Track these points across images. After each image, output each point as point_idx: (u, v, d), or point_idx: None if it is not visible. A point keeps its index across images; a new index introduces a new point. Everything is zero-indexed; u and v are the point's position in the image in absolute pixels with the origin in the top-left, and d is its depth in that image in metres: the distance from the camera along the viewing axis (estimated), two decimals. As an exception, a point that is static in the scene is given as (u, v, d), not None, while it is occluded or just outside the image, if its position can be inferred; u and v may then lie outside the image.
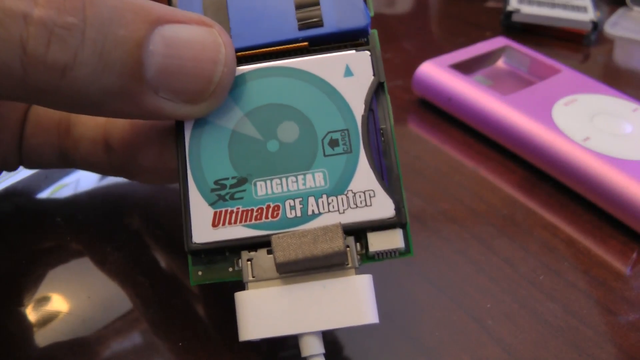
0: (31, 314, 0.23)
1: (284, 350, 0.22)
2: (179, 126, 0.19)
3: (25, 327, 0.23)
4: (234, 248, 0.19)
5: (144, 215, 0.28)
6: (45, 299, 0.24)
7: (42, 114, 0.24)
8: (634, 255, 0.27)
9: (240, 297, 0.18)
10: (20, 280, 0.24)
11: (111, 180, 0.29)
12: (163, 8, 0.17)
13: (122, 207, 0.28)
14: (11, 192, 0.29)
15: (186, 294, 0.24)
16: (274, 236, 0.18)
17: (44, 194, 0.29)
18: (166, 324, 0.23)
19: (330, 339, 0.22)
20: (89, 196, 0.29)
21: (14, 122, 0.24)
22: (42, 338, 0.22)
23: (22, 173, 0.29)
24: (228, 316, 0.20)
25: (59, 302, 0.24)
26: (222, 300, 0.23)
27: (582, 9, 0.45)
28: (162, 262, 0.26)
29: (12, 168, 0.25)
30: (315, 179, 0.19)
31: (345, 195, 0.18)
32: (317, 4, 0.19)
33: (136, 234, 0.27)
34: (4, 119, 0.24)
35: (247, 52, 0.19)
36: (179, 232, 0.19)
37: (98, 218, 0.28)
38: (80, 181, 0.30)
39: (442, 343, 0.22)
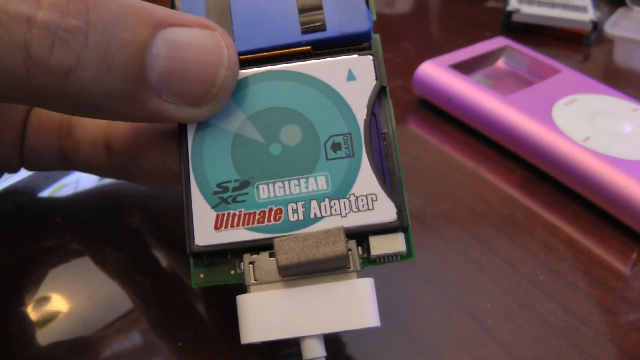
0: (31, 313, 0.23)
1: (284, 350, 0.22)
2: (181, 129, 0.19)
3: (26, 327, 0.23)
4: (236, 251, 0.19)
5: (144, 215, 0.28)
6: (45, 299, 0.24)
7: (43, 116, 0.24)
8: (634, 255, 0.27)
9: (242, 300, 0.18)
10: (20, 280, 0.24)
11: (111, 180, 0.29)
12: (166, 11, 0.17)
13: (122, 207, 0.28)
14: (11, 192, 0.29)
15: (186, 294, 0.24)
16: (276, 239, 0.18)
17: (44, 194, 0.29)
18: (166, 324, 0.23)
19: (330, 338, 0.22)
20: (89, 196, 0.29)
21: (15, 124, 0.24)
22: (42, 338, 0.22)
23: (22, 173, 0.29)
24: (228, 316, 0.20)
25: (59, 302, 0.24)
26: (222, 300, 0.23)
27: (582, 9, 0.45)
28: (163, 262, 0.26)
29: (13, 170, 0.25)
30: (318, 183, 0.19)
31: (348, 198, 0.18)
32: (320, 8, 0.19)
33: (136, 234, 0.27)
34: (6, 121, 0.24)
35: (249, 56, 0.19)
36: (179, 231, 0.19)
37: (98, 218, 0.28)
38: (80, 181, 0.29)
39: (442, 343, 0.23)
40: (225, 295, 0.23)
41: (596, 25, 0.44)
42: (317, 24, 0.19)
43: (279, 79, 0.19)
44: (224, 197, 0.19)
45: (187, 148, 0.19)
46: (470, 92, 0.34)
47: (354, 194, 0.18)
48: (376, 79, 0.19)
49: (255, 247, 0.18)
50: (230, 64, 0.18)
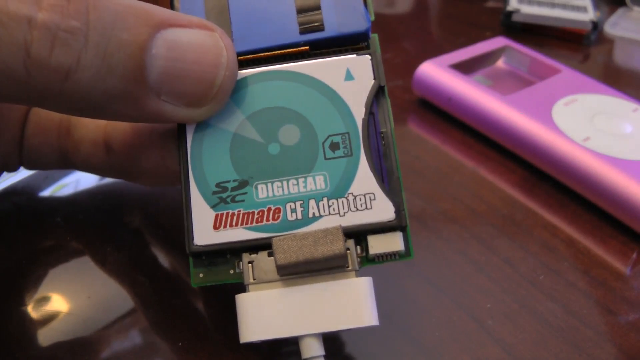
0: (31, 313, 0.23)
1: (284, 349, 0.22)
2: (180, 129, 0.19)
3: (26, 327, 0.23)
4: (235, 250, 0.19)
5: (144, 215, 0.28)
6: (45, 299, 0.24)
7: (42, 115, 0.24)
8: (634, 255, 0.27)
9: (241, 299, 0.18)
10: (20, 280, 0.24)
11: (111, 180, 0.29)
12: (165, 12, 0.17)
13: (122, 206, 0.28)
14: (11, 192, 0.29)
15: (186, 294, 0.24)
16: (274, 238, 0.18)
17: (44, 194, 0.29)
18: (166, 324, 0.23)
19: (330, 339, 0.22)
20: (89, 196, 0.29)
21: (15, 123, 0.24)
22: (43, 338, 0.22)
23: (22, 173, 0.29)
24: (228, 316, 0.20)
25: (59, 302, 0.24)
26: (222, 300, 0.23)
27: (582, 9, 0.45)
28: (163, 261, 0.26)
29: (12, 169, 0.26)
30: (316, 182, 0.19)
31: (346, 198, 0.18)
32: (318, 8, 0.19)
33: (136, 234, 0.27)
34: (5, 120, 0.24)
35: (248, 56, 0.19)
36: (179, 231, 0.19)
37: (98, 218, 0.28)
38: (80, 181, 0.30)
39: (442, 343, 0.23)
40: (224, 295, 0.23)
41: (596, 25, 0.44)
42: (316, 24, 0.19)
43: (278, 79, 0.19)
44: (222, 197, 0.19)
45: (186, 148, 0.19)
46: (470, 92, 0.34)
47: (352, 194, 0.18)
48: (374, 78, 0.19)
49: (254, 247, 0.18)
50: (229, 65, 0.18)
